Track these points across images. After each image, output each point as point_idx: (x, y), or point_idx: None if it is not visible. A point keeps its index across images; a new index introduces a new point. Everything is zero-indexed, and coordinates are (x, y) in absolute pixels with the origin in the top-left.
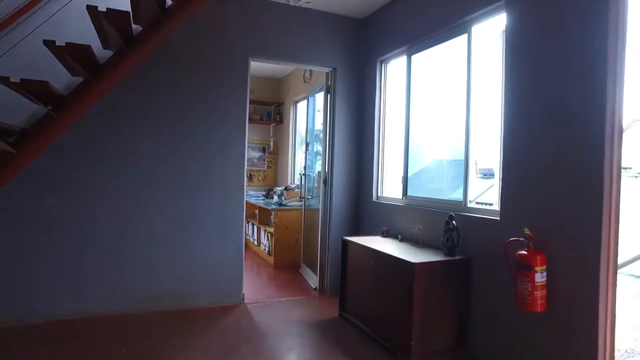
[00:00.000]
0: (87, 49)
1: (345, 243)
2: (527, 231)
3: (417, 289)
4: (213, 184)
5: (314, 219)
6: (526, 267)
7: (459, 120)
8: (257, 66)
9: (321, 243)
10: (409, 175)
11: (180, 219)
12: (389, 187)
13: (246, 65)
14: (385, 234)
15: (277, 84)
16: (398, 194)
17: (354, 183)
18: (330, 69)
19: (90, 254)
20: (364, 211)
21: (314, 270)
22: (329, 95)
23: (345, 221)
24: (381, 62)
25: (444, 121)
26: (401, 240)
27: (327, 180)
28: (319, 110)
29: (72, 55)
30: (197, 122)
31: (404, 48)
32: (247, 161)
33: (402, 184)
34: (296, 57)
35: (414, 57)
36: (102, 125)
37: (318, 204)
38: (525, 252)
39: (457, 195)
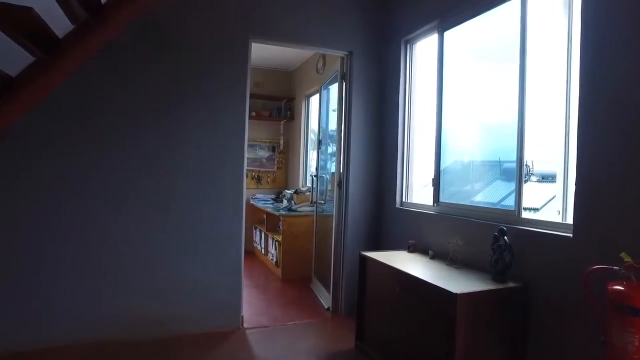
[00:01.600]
0: (28, 12)
1: (364, 260)
2: (626, 258)
3: (459, 328)
4: (206, 189)
5: (327, 226)
6: (630, 311)
7: (505, 112)
8: (266, 57)
9: (335, 256)
10: (441, 177)
11: (165, 229)
12: (416, 191)
13: (246, 48)
14: (412, 249)
15: (288, 77)
16: (428, 200)
17: (374, 186)
18: (346, 53)
19: (56, 272)
20: (386, 220)
21: (326, 286)
22: (344, 84)
23: (363, 231)
24: (406, 42)
25: (483, 113)
26: (432, 258)
27: (342, 182)
28: (333, 110)
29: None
30: (186, 118)
31: (434, 23)
32: (255, 162)
33: (433, 188)
34: (305, 38)
35: (447, 34)
36: (71, 122)
37: (332, 209)
38: (624, 288)
39: (508, 202)
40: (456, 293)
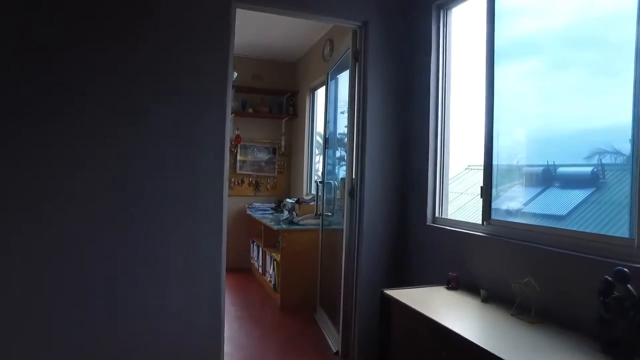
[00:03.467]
0: None
1: (387, 302)
2: None
3: None
4: (172, 201)
5: (335, 243)
6: None
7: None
8: (264, 46)
9: (346, 287)
10: (494, 185)
11: (117, 253)
12: (455, 203)
13: (228, 17)
14: (454, 285)
15: (290, 69)
16: (474, 217)
17: (397, 196)
18: (359, 24)
19: None
20: (413, 240)
21: (333, 319)
22: (357, 65)
23: (382, 254)
24: (439, 7)
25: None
26: (486, 301)
27: (354, 190)
28: (342, 113)
29: None
30: (147, 110)
31: None
32: (253, 165)
33: (482, 201)
34: (304, 3)
35: None
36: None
37: (341, 223)
38: None
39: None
40: None
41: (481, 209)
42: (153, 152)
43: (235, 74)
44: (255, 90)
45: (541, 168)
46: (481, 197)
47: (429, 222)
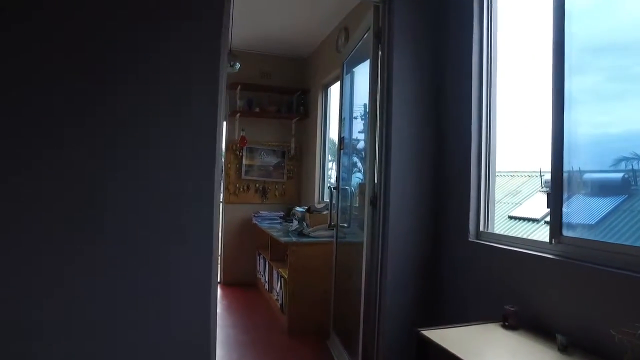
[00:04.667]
0: None
1: (424, 345)
2: None
3: None
4: (148, 221)
5: (352, 259)
6: None
7: None
8: (274, 40)
9: (366, 312)
10: (565, 193)
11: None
12: (504, 215)
13: None
14: (513, 322)
15: (301, 66)
16: (537, 232)
17: (429, 204)
18: None
19: None
20: (451, 260)
21: (350, 349)
22: (379, 47)
23: (411, 276)
24: None
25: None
26: (565, 350)
27: (377, 199)
28: (356, 118)
29: None
30: (118, 105)
31: None
32: (260, 170)
33: (550, 212)
34: None
35: None
36: None
37: (359, 234)
38: None
39: None
40: None
41: (549, 224)
42: (127, 166)
43: (238, 65)
44: (262, 88)
45: (620, 175)
46: (547, 207)
47: (471, 237)
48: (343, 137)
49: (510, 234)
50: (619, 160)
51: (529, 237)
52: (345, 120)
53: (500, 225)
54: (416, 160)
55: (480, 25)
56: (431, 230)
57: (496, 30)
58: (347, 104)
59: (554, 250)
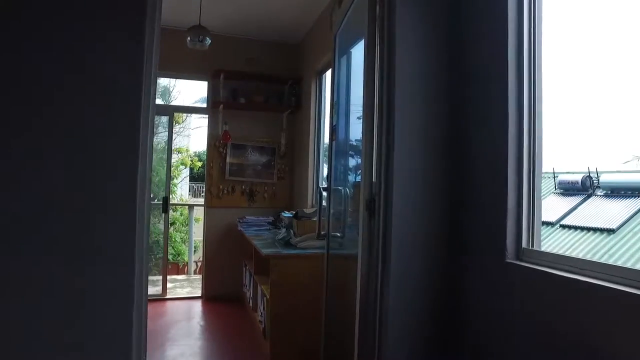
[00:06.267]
0: None
1: None
2: None
3: None
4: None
5: (347, 276)
6: None
7: None
8: (260, 21)
9: (361, 344)
10: None
11: None
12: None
13: None
14: None
15: (292, 52)
16: (552, 238)
17: (446, 211)
18: None
19: None
20: (477, 287)
21: None
22: (377, 8)
23: (419, 303)
24: None
25: None
26: None
27: (374, 203)
28: (359, 118)
29: None
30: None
31: None
32: (247, 170)
33: None
34: None
35: None
36: None
37: (355, 245)
38: None
39: None
40: None
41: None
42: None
43: (209, 41)
44: (248, 76)
45: None
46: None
47: (509, 257)
48: (335, 124)
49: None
50: None
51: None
52: (338, 104)
53: None
54: (428, 151)
55: None
56: (449, 247)
57: None
58: (339, 83)
59: None
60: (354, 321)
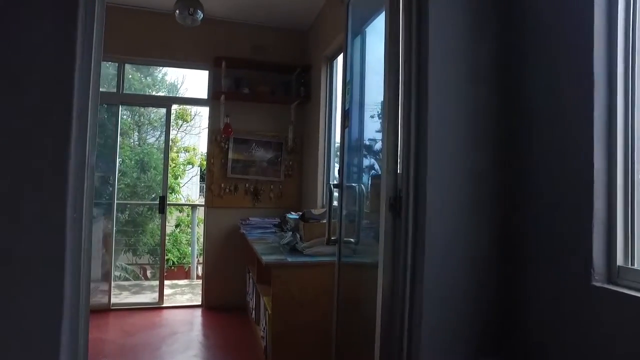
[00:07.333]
0: None
1: None
2: None
3: None
4: None
5: (364, 289)
6: None
7: None
8: (267, 7)
9: None
10: None
11: None
12: None
13: None
14: None
15: (301, 39)
16: None
17: (501, 214)
18: None
19: None
20: (554, 322)
21: None
22: None
23: (464, 326)
24: None
25: None
26: None
27: (400, 201)
28: (372, 117)
29: None
30: None
31: None
32: (251, 167)
33: None
34: None
35: None
36: None
37: (372, 253)
38: None
39: None
40: None
41: None
42: None
43: (201, 15)
44: (254, 64)
45: None
46: None
47: (597, 279)
48: (348, 109)
49: None
50: None
51: None
52: (351, 84)
53: None
54: (473, 138)
55: None
56: (507, 261)
57: None
58: (352, 59)
59: None
60: (372, 346)
